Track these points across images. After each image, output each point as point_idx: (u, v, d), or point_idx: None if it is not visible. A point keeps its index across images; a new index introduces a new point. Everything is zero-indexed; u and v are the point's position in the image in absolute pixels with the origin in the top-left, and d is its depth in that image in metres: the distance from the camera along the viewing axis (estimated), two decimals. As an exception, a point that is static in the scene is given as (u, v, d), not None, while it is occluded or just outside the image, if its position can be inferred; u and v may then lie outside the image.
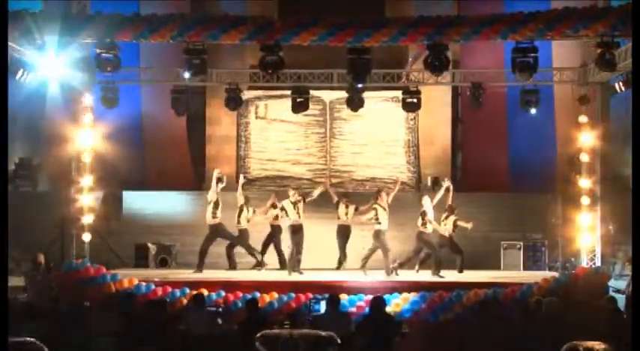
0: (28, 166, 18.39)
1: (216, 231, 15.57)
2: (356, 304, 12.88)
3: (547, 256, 16.74)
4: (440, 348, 9.27)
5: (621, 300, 11.71)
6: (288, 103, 15.87)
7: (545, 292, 12.79)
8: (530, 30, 12.02)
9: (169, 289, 13.46)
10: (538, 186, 17.56)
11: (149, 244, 17.04)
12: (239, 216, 15.66)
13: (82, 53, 13.39)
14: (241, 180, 16.01)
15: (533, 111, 15.96)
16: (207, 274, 15.16)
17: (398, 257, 15.24)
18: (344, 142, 19.00)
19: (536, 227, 17.02)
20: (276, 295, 13.15)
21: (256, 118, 19.00)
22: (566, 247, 16.04)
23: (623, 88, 14.21)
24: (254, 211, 15.96)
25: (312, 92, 16.09)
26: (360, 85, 14.71)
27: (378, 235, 14.73)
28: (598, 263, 15.10)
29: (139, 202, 17.94)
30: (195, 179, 19.23)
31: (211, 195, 15.55)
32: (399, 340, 9.53)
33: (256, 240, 16.12)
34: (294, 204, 15.08)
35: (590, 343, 4.47)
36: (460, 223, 15.32)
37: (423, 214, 15.02)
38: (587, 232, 15.29)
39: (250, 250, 15.88)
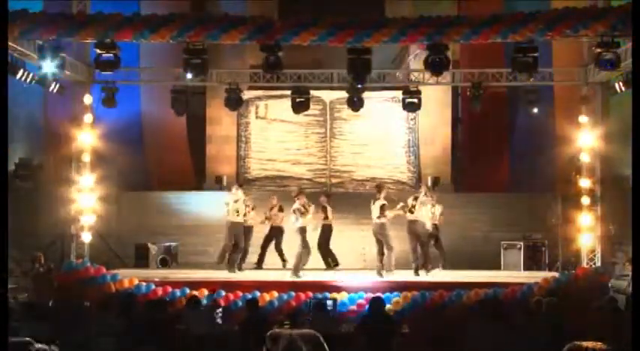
0: (28, 166, 18.36)
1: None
2: (356, 303, 12.90)
3: (547, 256, 16.74)
4: (440, 348, 9.26)
5: (621, 300, 11.71)
6: (288, 103, 15.86)
7: (545, 292, 12.79)
8: (530, 30, 12.02)
9: (169, 289, 13.47)
10: (538, 186, 17.57)
11: (149, 244, 17.04)
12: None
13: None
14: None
15: (535, 110, 15.96)
16: (208, 274, 15.16)
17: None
18: (344, 142, 19.01)
19: (536, 227, 17.02)
20: (276, 294, 13.16)
21: (256, 118, 19.01)
22: (566, 247, 16.03)
23: (623, 88, 14.21)
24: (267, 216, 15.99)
25: (313, 92, 16.08)
26: (360, 85, 14.70)
27: (384, 228, 14.72)
28: (598, 263, 15.09)
29: (140, 202, 17.94)
30: (195, 179, 19.25)
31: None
32: (398, 339, 9.53)
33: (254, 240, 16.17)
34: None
35: (590, 343, 4.46)
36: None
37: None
38: (587, 232, 15.28)
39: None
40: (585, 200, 15.34)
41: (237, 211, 15.27)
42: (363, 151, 18.96)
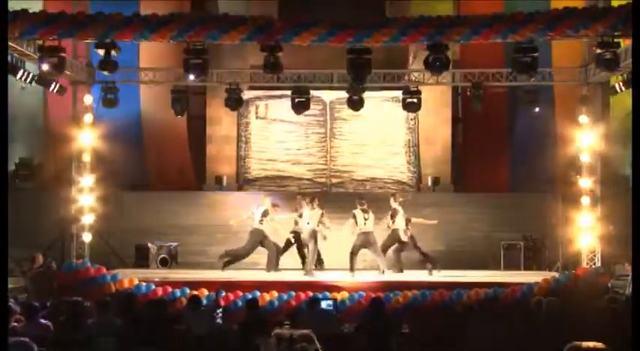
0: (28, 166, 18.39)
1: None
2: (356, 301, 12.90)
3: (547, 256, 16.74)
4: (440, 348, 9.25)
5: (621, 300, 11.70)
6: (288, 103, 15.84)
7: (545, 292, 12.80)
8: (530, 30, 12.01)
9: (169, 289, 13.47)
10: (538, 186, 17.57)
11: (149, 244, 17.04)
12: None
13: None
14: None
15: (536, 109, 15.95)
16: (208, 274, 15.16)
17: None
18: (344, 142, 19.00)
19: (536, 227, 17.02)
20: (276, 294, 13.17)
21: (256, 118, 19.00)
22: (566, 247, 16.03)
23: (623, 88, 14.20)
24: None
25: (313, 92, 16.08)
26: (360, 85, 14.70)
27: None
28: (598, 263, 15.09)
29: (140, 202, 17.94)
30: (195, 179, 19.25)
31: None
32: (398, 339, 9.53)
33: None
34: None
35: (590, 343, 4.45)
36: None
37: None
38: (587, 232, 15.28)
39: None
40: (585, 200, 15.33)
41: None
42: (363, 151, 18.95)
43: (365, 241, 14.83)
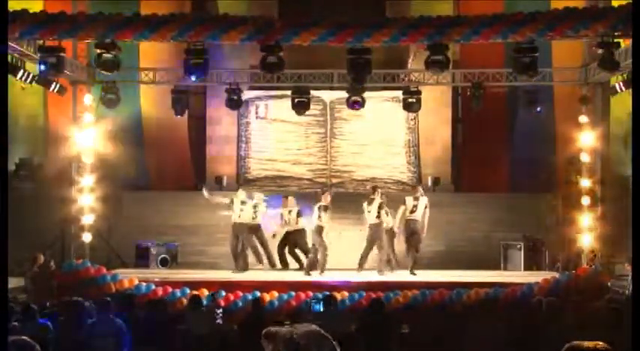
0: (28, 166, 18.38)
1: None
2: (356, 301, 12.89)
3: (547, 256, 16.74)
4: (440, 348, 9.26)
5: (621, 300, 11.71)
6: (288, 103, 15.83)
7: (545, 292, 12.80)
8: (530, 30, 12.01)
9: (169, 289, 13.47)
10: (538, 186, 17.56)
11: (149, 244, 17.04)
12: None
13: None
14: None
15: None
16: (208, 274, 15.16)
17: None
18: (344, 142, 18.98)
19: (536, 227, 17.02)
20: (276, 294, 13.16)
21: (257, 118, 18.98)
22: (566, 247, 16.03)
23: (623, 88, 14.20)
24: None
25: (313, 92, 16.07)
26: (360, 85, 14.70)
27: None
28: (598, 263, 15.08)
29: (140, 202, 17.94)
30: (195, 179, 19.23)
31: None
32: (398, 339, 9.53)
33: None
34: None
35: (590, 343, 4.44)
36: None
37: None
38: (587, 232, 15.28)
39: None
40: (585, 200, 15.33)
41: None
42: (363, 151, 18.93)
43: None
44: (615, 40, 12.10)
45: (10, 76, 12.96)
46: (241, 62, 17.65)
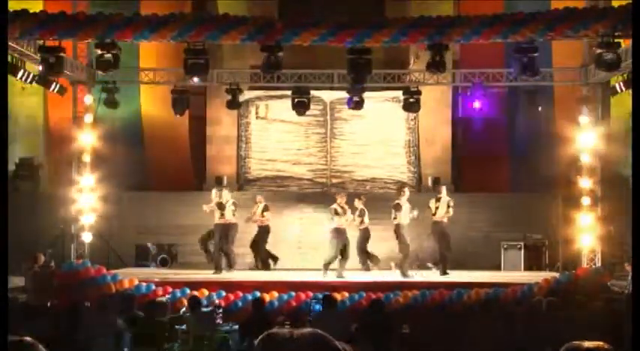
0: (28, 166, 18.38)
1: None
2: (357, 301, 12.89)
3: (547, 256, 16.73)
4: (440, 348, 9.26)
5: (621, 300, 11.70)
6: (288, 103, 15.83)
7: (545, 292, 12.80)
8: (530, 30, 12.01)
9: (169, 289, 13.46)
10: (538, 186, 17.56)
11: (149, 244, 17.04)
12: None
13: None
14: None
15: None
16: (208, 274, 15.16)
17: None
18: (344, 142, 18.98)
19: (536, 227, 17.02)
20: (276, 294, 13.16)
21: (257, 118, 18.98)
22: (566, 247, 16.03)
23: (623, 88, 14.19)
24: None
25: (313, 92, 16.08)
26: (360, 86, 14.70)
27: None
28: (598, 263, 15.09)
29: (140, 202, 17.94)
30: (195, 179, 19.23)
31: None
32: (398, 340, 9.53)
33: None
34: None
35: (590, 343, 4.44)
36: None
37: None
38: (587, 232, 15.27)
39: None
40: (585, 200, 15.33)
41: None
42: (363, 151, 18.93)
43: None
44: (615, 40, 12.09)
45: (10, 76, 12.96)
46: (241, 62, 17.66)
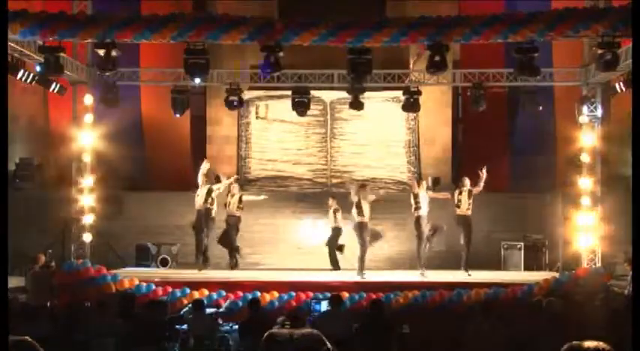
0: (28, 166, 18.38)
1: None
2: (357, 302, 12.90)
3: (547, 256, 16.73)
4: (440, 348, 9.27)
5: (621, 300, 11.71)
6: (288, 103, 15.81)
7: (545, 292, 12.80)
8: (530, 30, 12.00)
9: (170, 289, 13.47)
10: (538, 186, 17.56)
11: (149, 244, 17.04)
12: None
13: None
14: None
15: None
16: (208, 274, 15.16)
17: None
18: (344, 142, 18.98)
19: (537, 227, 17.02)
20: (276, 294, 13.17)
21: (257, 118, 18.98)
22: (566, 247, 16.02)
23: (623, 89, 14.19)
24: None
25: (313, 92, 16.07)
26: (360, 86, 14.69)
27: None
28: (598, 263, 15.09)
29: (140, 202, 17.94)
30: (195, 179, 19.21)
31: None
32: (398, 340, 9.53)
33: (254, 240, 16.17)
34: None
35: (590, 343, 4.44)
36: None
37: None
38: (587, 232, 15.27)
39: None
40: (585, 200, 15.33)
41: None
42: (363, 151, 18.93)
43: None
44: (615, 40, 12.09)
45: (10, 76, 12.96)
46: (242, 62, 17.65)
